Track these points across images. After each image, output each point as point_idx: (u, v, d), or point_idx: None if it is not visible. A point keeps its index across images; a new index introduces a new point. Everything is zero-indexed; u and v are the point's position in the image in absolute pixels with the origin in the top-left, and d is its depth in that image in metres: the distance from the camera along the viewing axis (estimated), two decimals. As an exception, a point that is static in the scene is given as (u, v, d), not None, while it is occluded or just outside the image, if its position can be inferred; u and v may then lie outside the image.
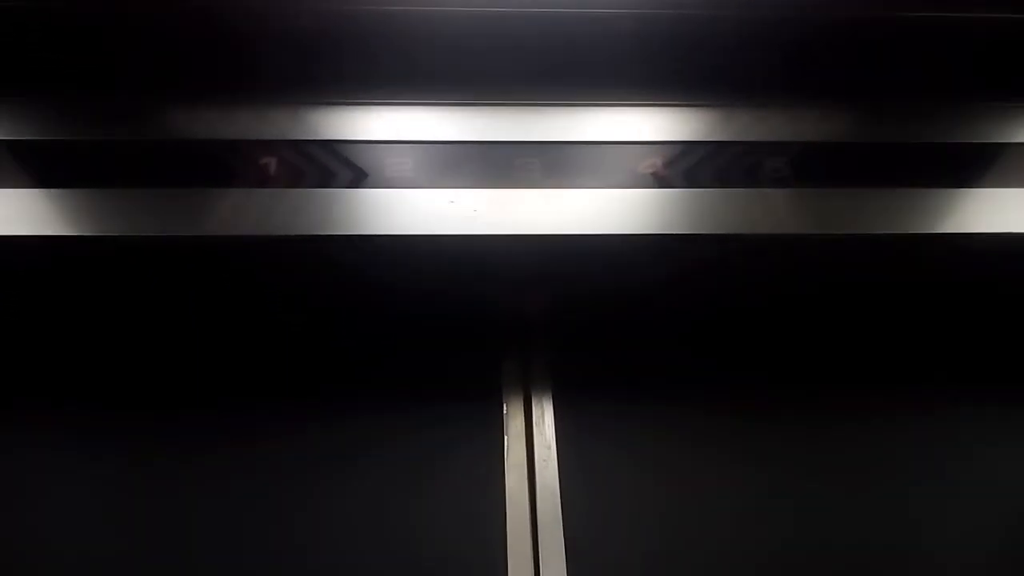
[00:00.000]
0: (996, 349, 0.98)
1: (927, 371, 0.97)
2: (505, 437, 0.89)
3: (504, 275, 0.87)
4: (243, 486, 0.86)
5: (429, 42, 0.86)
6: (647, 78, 0.88)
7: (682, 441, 0.90)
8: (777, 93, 0.88)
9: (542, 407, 0.91)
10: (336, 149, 0.85)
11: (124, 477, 0.87)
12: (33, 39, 0.85)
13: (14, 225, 0.80)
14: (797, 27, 0.85)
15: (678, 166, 0.85)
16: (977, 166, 0.86)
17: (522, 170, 0.84)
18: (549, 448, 0.88)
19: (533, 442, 0.88)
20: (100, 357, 0.93)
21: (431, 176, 0.83)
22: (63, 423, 0.91)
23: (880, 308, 0.97)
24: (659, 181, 0.84)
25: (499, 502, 0.85)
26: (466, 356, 0.94)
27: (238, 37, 0.86)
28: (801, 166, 0.85)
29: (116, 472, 0.87)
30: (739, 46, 0.87)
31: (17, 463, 0.88)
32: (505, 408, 0.91)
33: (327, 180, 0.83)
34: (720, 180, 0.84)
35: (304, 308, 0.93)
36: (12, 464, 0.87)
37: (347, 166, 0.84)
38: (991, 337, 0.99)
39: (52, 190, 0.81)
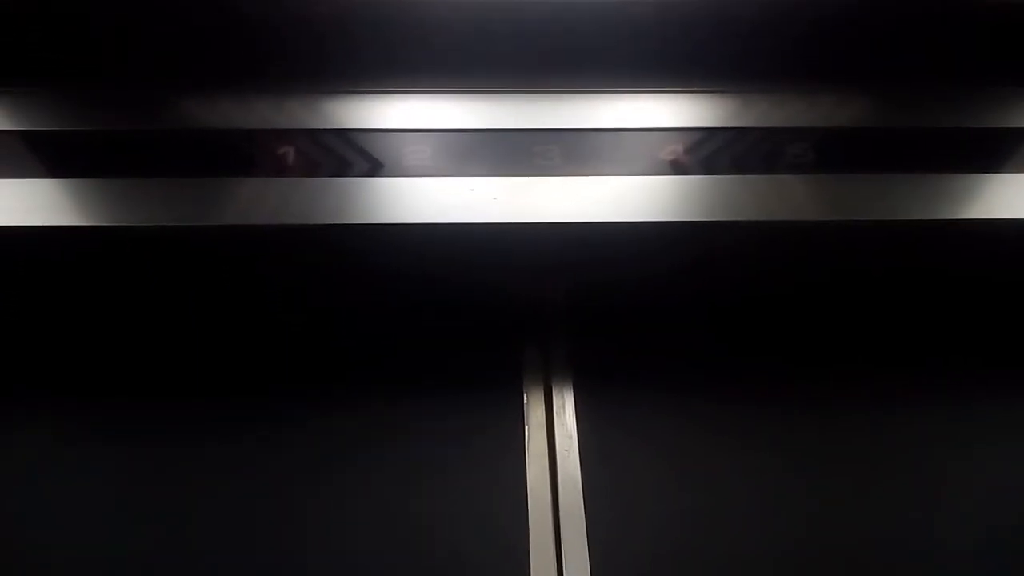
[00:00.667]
0: (1018, 338, 0.98)
1: (949, 360, 0.96)
2: (526, 427, 0.88)
3: (524, 263, 0.87)
4: (259, 479, 0.85)
5: (446, 29, 0.85)
6: (665, 64, 0.88)
7: (702, 429, 0.89)
8: (796, 79, 0.88)
9: (563, 397, 0.90)
10: (354, 137, 0.84)
11: (139, 470, 0.86)
12: (46, 29, 0.84)
13: (30, 215, 0.80)
14: (815, 12, 0.85)
15: (697, 153, 0.85)
16: (999, 151, 0.86)
17: (541, 157, 0.83)
18: (570, 438, 0.87)
19: (554, 432, 0.87)
20: (114, 349, 0.92)
21: (450, 164, 0.82)
22: (71, 415, 0.90)
23: (902, 296, 0.96)
24: (678, 168, 0.83)
25: (520, 493, 0.84)
26: (486, 345, 0.93)
27: (253, 24, 0.85)
28: (820, 152, 0.85)
29: (129, 465, 0.86)
30: (757, 32, 0.86)
31: (24, 452, 0.87)
32: (526, 398, 0.90)
33: (345, 169, 0.83)
34: (739, 167, 0.84)
35: (322, 298, 0.93)
36: (21, 453, 0.87)
37: (365, 155, 0.83)
38: (1012, 326, 0.98)
39: (67, 180, 0.81)
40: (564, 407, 0.89)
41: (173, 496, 0.84)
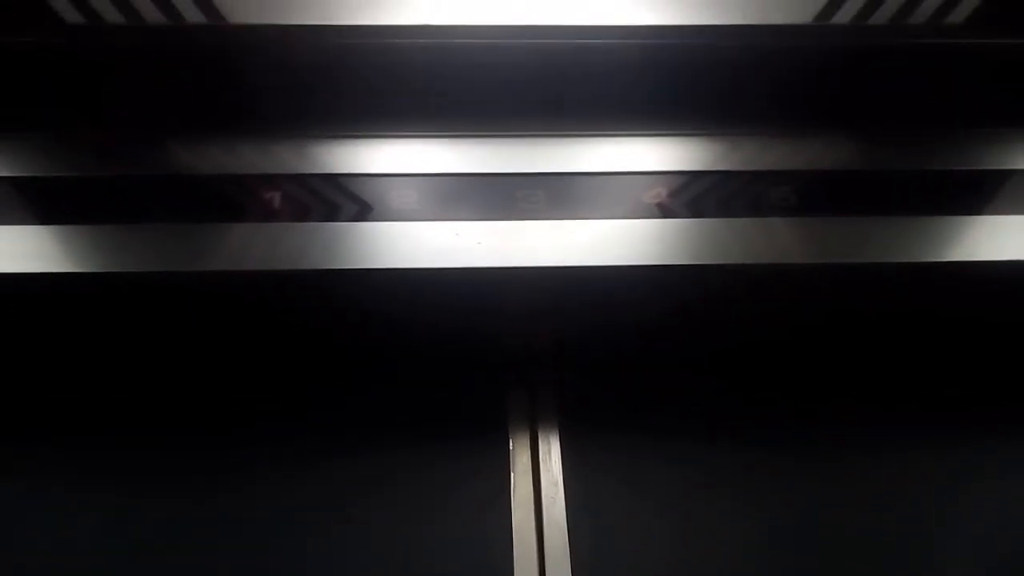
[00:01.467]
0: (1007, 378, 0.97)
1: (941, 402, 0.95)
2: (512, 473, 0.88)
3: (509, 308, 0.86)
4: (244, 528, 0.84)
5: (431, 74, 0.86)
6: (650, 108, 0.88)
7: (690, 476, 0.88)
8: (781, 122, 0.88)
9: (549, 443, 0.89)
10: (339, 182, 0.85)
11: (134, 514, 0.85)
12: (35, 77, 0.86)
13: (19, 262, 0.80)
14: (799, 56, 0.86)
15: (682, 196, 0.85)
16: (985, 193, 0.85)
17: (525, 201, 0.84)
18: (556, 485, 0.86)
19: (540, 478, 0.87)
20: (104, 394, 0.93)
21: (435, 208, 0.83)
22: (66, 460, 0.90)
23: (892, 339, 0.96)
24: (663, 211, 0.84)
25: (506, 539, 0.83)
26: (472, 390, 0.93)
27: (241, 71, 0.86)
28: (806, 195, 0.85)
29: (125, 510, 0.86)
30: (742, 75, 0.87)
31: (16, 498, 0.86)
32: (512, 444, 0.90)
33: (331, 214, 0.83)
34: (724, 210, 0.84)
35: (309, 343, 0.93)
36: (10, 503, 0.86)
37: (351, 199, 0.84)
38: (1002, 366, 0.97)
39: (58, 227, 0.82)
40: (550, 453, 0.88)
41: (169, 540, 0.84)
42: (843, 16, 0.83)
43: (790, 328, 0.94)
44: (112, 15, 0.83)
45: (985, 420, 0.94)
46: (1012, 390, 0.96)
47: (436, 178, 0.84)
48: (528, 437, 0.90)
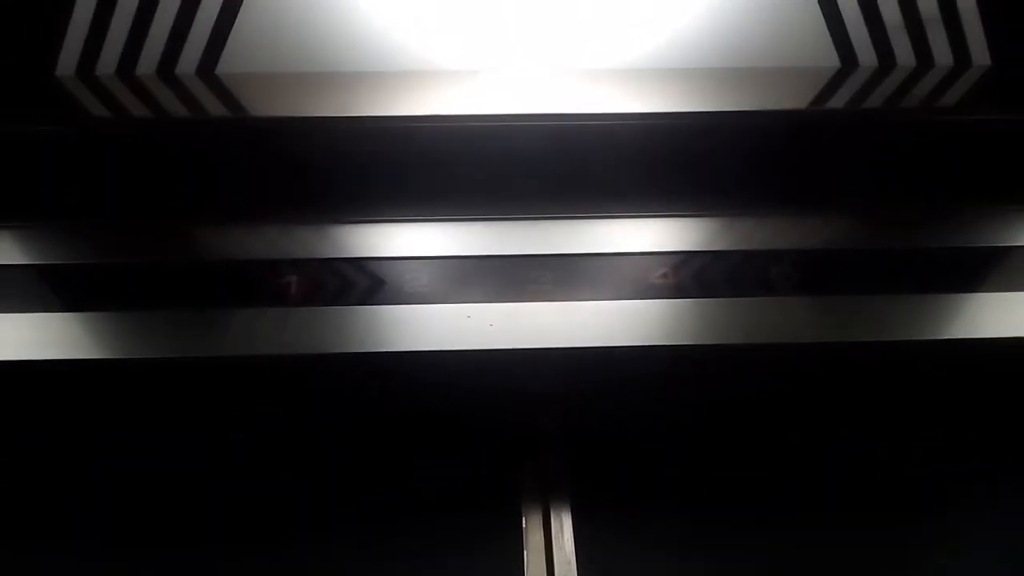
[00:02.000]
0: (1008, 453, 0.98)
1: (942, 479, 0.96)
2: (525, 551, 0.88)
3: (520, 388, 0.88)
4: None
5: (440, 161, 0.89)
6: (653, 191, 0.91)
7: (703, 553, 0.88)
8: (783, 202, 0.90)
9: (561, 520, 0.90)
10: (351, 266, 0.87)
11: None
12: (62, 167, 0.89)
13: (42, 349, 0.82)
14: (797, 139, 0.89)
15: (689, 276, 0.87)
16: (978, 270, 0.87)
17: (535, 283, 0.86)
18: (569, 563, 0.87)
19: (553, 556, 0.87)
20: (127, 481, 0.94)
21: (447, 291, 0.85)
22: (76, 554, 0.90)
23: (895, 416, 0.97)
24: (671, 291, 0.86)
25: (520, 619, 0.84)
26: (483, 469, 0.94)
27: (258, 158, 0.90)
28: (808, 273, 0.87)
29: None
30: (739, 158, 0.90)
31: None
32: (524, 522, 0.90)
33: (343, 297, 0.85)
34: (732, 289, 0.86)
35: (320, 424, 0.94)
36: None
37: (364, 283, 0.86)
38: (1001, 442, 0.98)
39: (79, 314, 0.84)
40: (562, 530, 0.89)
41: None
42: (838, 101, 0.86)
43: (802, 407, 0.95)
44: (137, 108, 0.87)
45: (985, 497, 0.94)
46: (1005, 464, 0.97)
47: (447, 260, 0.87)
48: (540, 515, 0.91)
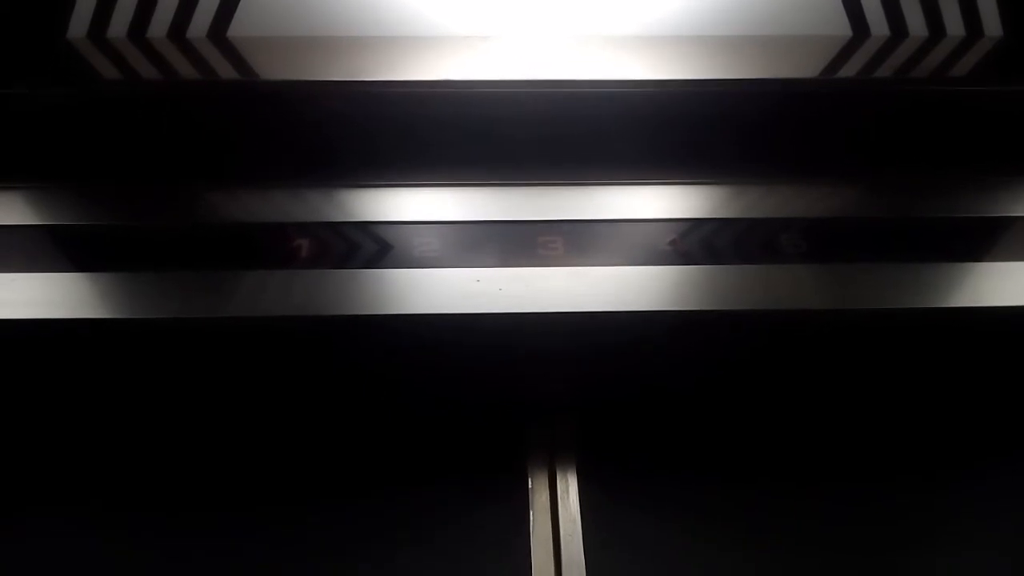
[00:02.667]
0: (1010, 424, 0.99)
1: (948, 452, 0.97)
2: (531, 511, 0.90)
3: (529, 352, 0.89)
4: (268, 571, 0.87)
5: (452, 125, 0.90)
6: (663, 157, 0.91)
7: (708, 515, 0.90)
8: (792, 170, 0.91)
9: (567, 481, 0.91)
10: (362, 230, 0.88)
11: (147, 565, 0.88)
12: (72, 129, 0.89)
13: (54, 308, 0.83)
14: (807, 107, 0.89)
15: (698, 242, 0.88)
16: (987, 239, 0.88)
17: (545, 248, 0.87)
18: (575, 522, 0.88)
19: (559, 516, 0.89)
20: (136, 440, 0.95)
21: (457, 255, 0.86)
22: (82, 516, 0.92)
23: (901, 385, 0.98)
24: (680, 258, 0.86)
25: (526, 576, 0.85)
26: (491, 431, 0.95)
27: (268, 122, 0.90)
28: (816, 241, 0.87)
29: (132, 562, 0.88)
30: (750, 126, 0.90)
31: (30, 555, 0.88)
32: (530, 482, 0.92)
33: (354, 260, 0.86)
34: (740, 256, 0.86)
35: (330, 387, 0.95)
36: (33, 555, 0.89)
37: (374, 247, 0.87)
38: (1004, 412, 0.99)
39: (91, 274, 0.85)
40: (568, 491, 0.91)
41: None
42: (849, 70, 0.86)
43: (805, 373, 0.96)
44: (148, 71, 0.87)
45: (989, 470, 0.96)
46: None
47: (457, 225, 0.87)
48: (547, 476, 0.92)
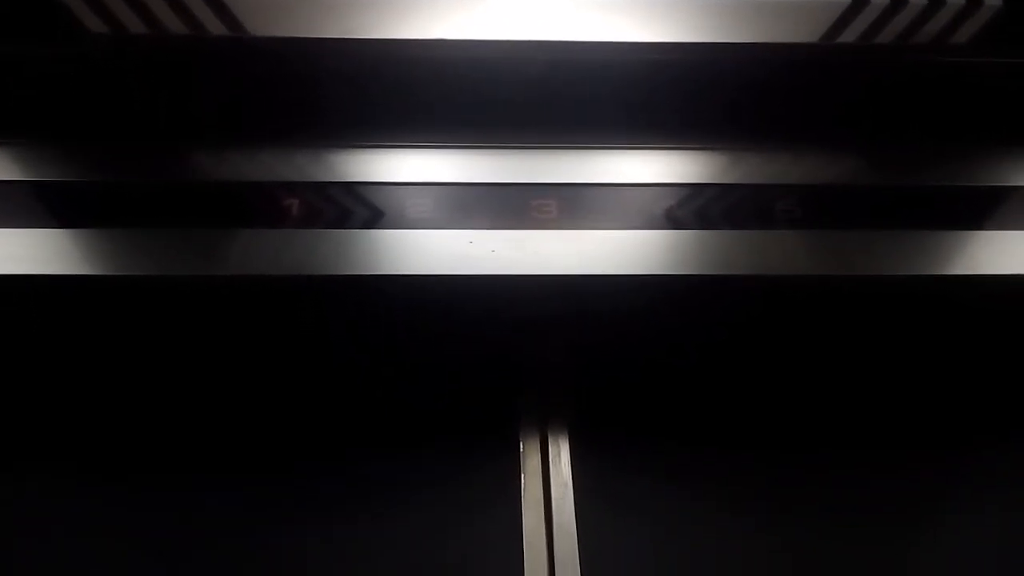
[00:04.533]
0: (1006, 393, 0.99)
1: (942, 422, 0.97)
2: (522, 475, 0.90)
3: (521, 314, 0.89)
4: (258, 531, 0.86)
5: (446, 86, 0.88)
6: (660, 122, 0.91)
7: (699, 479, 0.90)
8: (790, 137, 0.90)
9: (558, 445, 0.91)
10: (355, 190, 0.87)
11: (140, 524, 0.87)
12: (58, 84, 0.88)
13: (39, 264, 0.82)
14: (806, 73, 0.88)
15: (691, 208, 0.87)
16: (987, 208, 0.88)
17: (538, 211, 0.86)
18: (566, 486, 0.88)
19: (550, 480, 0.89)
20: (120, 400, 0.94)
21: (450, 217, 0.85)
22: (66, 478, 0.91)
23: (895, 354, 0.98)
24: (674, 222, 0.86)
25: (516, 540, 0.85)
26: (483, 394, 0.95)
27: (259, 80, 0.89)
28: (812, 208, 0.87)
29: (127, 523, 0.88)
30: (750, 91, 0.89)
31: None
32: (522, 446, 0.92)
33: (346, 221, 0.85)
34: (733, 221, 0.86)
35: (321, 349, 0.95)
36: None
37: (367, 207, 0.86)
38: (1000, 379, 1.00)
39: (76, 230, 0.84)
40: (559, 455, 0.90)
41: (185, 549, 0.85)
42: (849, 35, 0.85)
43: (798, 339, 0.96)
44: (135, 25, 0.85)
45: (984, 442, 0.96)
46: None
47: (451, 187, 0.87)
48: (538, 439, 0.92)
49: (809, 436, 0.95)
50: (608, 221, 0.85)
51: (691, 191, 0.88)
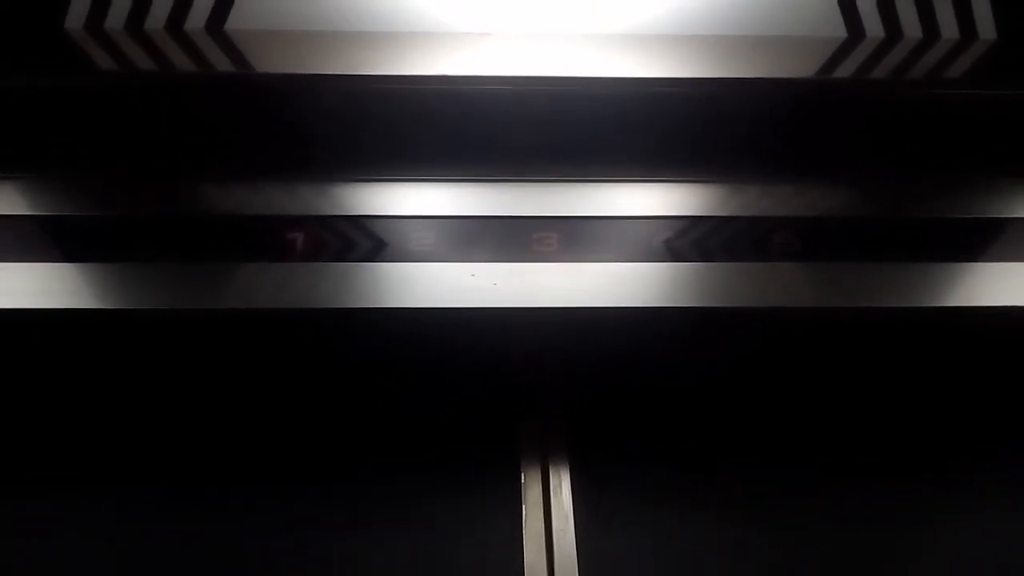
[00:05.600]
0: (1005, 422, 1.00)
1: (935, 444, 0.98)
2: (523, 506, 0.90)
3: (522, 346, 0.90)
4: (255, 560, 0.87)
5: (448, 121, 0.90)
6: (658, 155, 0.92)
7: (699, 510, 0.90)
8: (786, 170, 0.91)
9: (559, 476, 0.92)
10: (360, 224, 0.88)
11: (144, 549, 0.88)
12: (68, 119, 0.89)
13: (46, 299, 0.83)
14: (801, 107, 0.90)
15: (690, 240, 0.88)
16: (983, 240, 0.89)
17: (540, 244, 0.87)
18: (567, 518, 0.89)
19: (551, 512, 0.89)
20: (124, 428, 0.95)
21: (453, 250, 0.86)
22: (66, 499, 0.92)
23: (890, 381, 0.99)
24: (673, 255, 0.87)
25: (518, 571, 0.86)
26: (484, 426, 0.95)
27: (264, 115, 0.90)
28: (809, 240, 0.88)
29: (131, 546, 0.89)
30: (744, 125, 0.91)
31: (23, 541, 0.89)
32: (523, 477, 0.92)
33: (350, 254, 0.86)
34: (731, 254, 0.87)
35: (326, 378, 0.95)
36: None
37: (371, 240, 0.87)
38: (994, 404, 1.00)
39: (82, 264, 0.85)
40: (560, 486, 0.91)
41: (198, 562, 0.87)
42: (845, 71, 0.87)
43: (797, 370, 0.97)
44: (143, 62, 0.87)
45: (976, 463, 0.97)
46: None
47: (453, 220, 0.88)
48: (539, 471, 0.93)
49: (809, 461, 0.95)
50: (608, 253, 0.86)
51: (690, 223, 0.89)
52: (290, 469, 0.92)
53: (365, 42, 0.88)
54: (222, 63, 0.88)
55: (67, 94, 0.88)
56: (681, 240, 0.88)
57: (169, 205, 0.89)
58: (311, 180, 0.90)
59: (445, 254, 0.86)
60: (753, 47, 0.89)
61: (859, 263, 0.86)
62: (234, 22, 0.88)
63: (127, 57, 0.87)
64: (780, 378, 0.97)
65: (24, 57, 0.86)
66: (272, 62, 0.89)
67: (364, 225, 0.88)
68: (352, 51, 0.88)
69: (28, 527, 0.89)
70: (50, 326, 0.84)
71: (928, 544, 0.91)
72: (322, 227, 0.87)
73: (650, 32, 0.89)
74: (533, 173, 0.91)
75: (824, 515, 0.91)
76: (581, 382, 0.97)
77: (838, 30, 0.90)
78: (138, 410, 0.95)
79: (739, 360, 0.94)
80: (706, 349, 0.91)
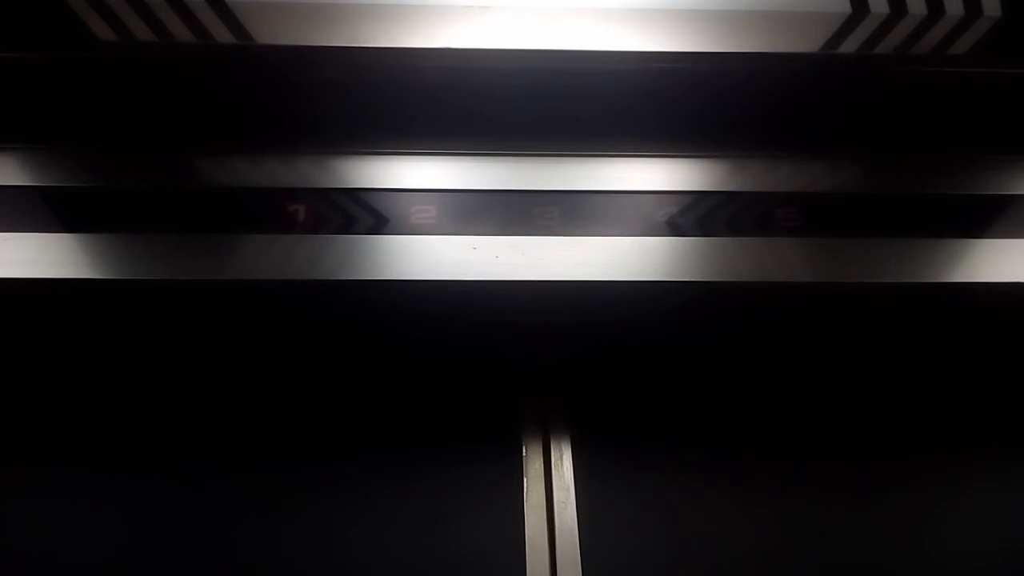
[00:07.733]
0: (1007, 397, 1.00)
1: (937, 422, 0.99)
2: (524, 479, 0.91)
3: (524, 320, 0.89)
4: (256, 527, 0.88)
5: (451, 94, 0.89)
6: (661, 130, 0.92)
7: (699, 482, 0.91)
8: (788, 145, 0.91)
9: (560, 449, 0.92)
10: (361, 197, 0.88)
11: (152, 520, 0.88)
12: (67, 91, 0.89)
13: (46, 268, 0.82)
14: (807, 82, 0.89)
15: (692, 215, 0.88)
16: (986, 216, 0.89)
17: (542, 218, 0.87)
18: (568, 490, 0.89)
19: (552, 484, 0.90)
20: (125, 401, 0.95)
21: (454, 223, 0.86)
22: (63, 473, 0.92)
23: (891, 356, 0.99)
24: (674, 229, 0.87)
25: (519, 543, 0.86)
26: (486, 398, 0.96)
27: (265, 87, 0.89)
28: (811, 216, 0.88)
29: (139, 520, 0.89)
30: (751, 100, 0.90)
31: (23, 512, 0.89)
32: (524, 450, 0.93)
33: (352, 226, 0.86)
34: (732, 229, 0.87)
35: (328, 351, 0.95)
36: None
37: (372, 213, 0.87)
38: (1001, 385, 1.01)
39: (82, 235, 0.84)
40: (562, 459, 0.91)
41: (203, 544, 0.87)
42: (849, 46, 0.86)
43: (797, 345, 0.97)
44: (143, 33, 0.86)
45: (986, 443, 0.97)
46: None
47: (456, 194, 0.88)
48: (540, 444, 0.93)
49: (808, 433, 0.96)
50: (610, 228, 0.86)
51: (692, 199, 0.89)
52: (291, 441, 0.93)
53: (366, 14, 0.87)
54: (222, 34, 0.87)
55: (67, 65, 0.87)
56: (683, 215, 0.87)
57: (169, 177, 0.88)
58: (312, 153, 0.89)
59: (447, 227, 0.85)
60: (757, 22, 0.89)
61: (861, 239, 0.86)
62: (234, -8, 0.87)
63: (126, 27, 0.86)
64: (780, 353, 0.98)
65: (23, 27, 0.85)
66: (273, 34, 0.88)
67: (366, 198, 0.87)
68: (353, 23, 0.88)
69: (27, 499, 0.89)
70: (50, 296, 0.84)
71: (931, 517, 0.93)
72: (323, 200, 0.87)
73: (653, 6, 0.89)
74: (535, 147, 0.90)
75: (824, 486, 0.92)
76: (582, 355, 0.98)
77: (842, 5, 0.89)
78: (138, 381, 0.95)
79: (739, 335, 0.94)
80: (707, 323, 0.91)
